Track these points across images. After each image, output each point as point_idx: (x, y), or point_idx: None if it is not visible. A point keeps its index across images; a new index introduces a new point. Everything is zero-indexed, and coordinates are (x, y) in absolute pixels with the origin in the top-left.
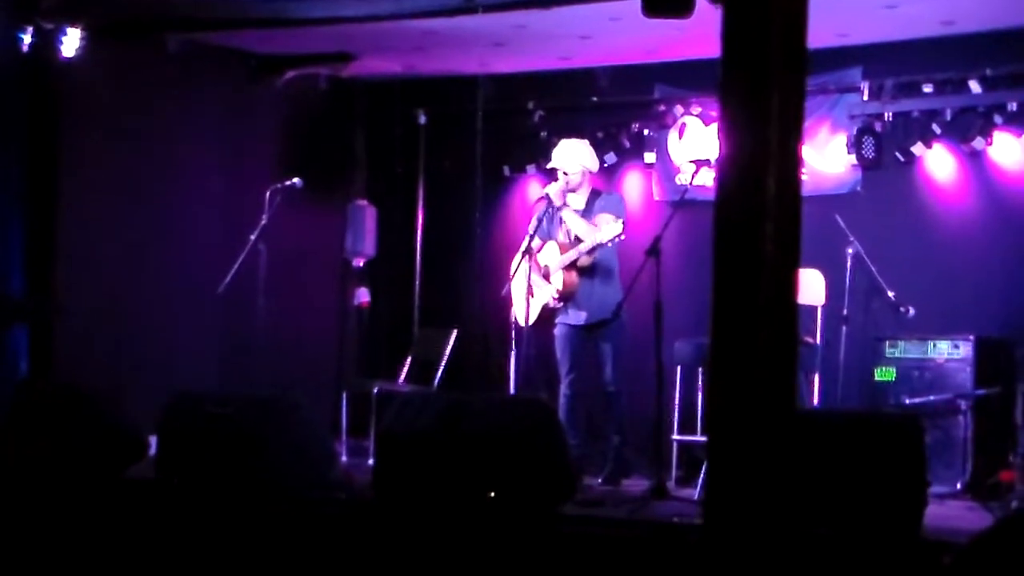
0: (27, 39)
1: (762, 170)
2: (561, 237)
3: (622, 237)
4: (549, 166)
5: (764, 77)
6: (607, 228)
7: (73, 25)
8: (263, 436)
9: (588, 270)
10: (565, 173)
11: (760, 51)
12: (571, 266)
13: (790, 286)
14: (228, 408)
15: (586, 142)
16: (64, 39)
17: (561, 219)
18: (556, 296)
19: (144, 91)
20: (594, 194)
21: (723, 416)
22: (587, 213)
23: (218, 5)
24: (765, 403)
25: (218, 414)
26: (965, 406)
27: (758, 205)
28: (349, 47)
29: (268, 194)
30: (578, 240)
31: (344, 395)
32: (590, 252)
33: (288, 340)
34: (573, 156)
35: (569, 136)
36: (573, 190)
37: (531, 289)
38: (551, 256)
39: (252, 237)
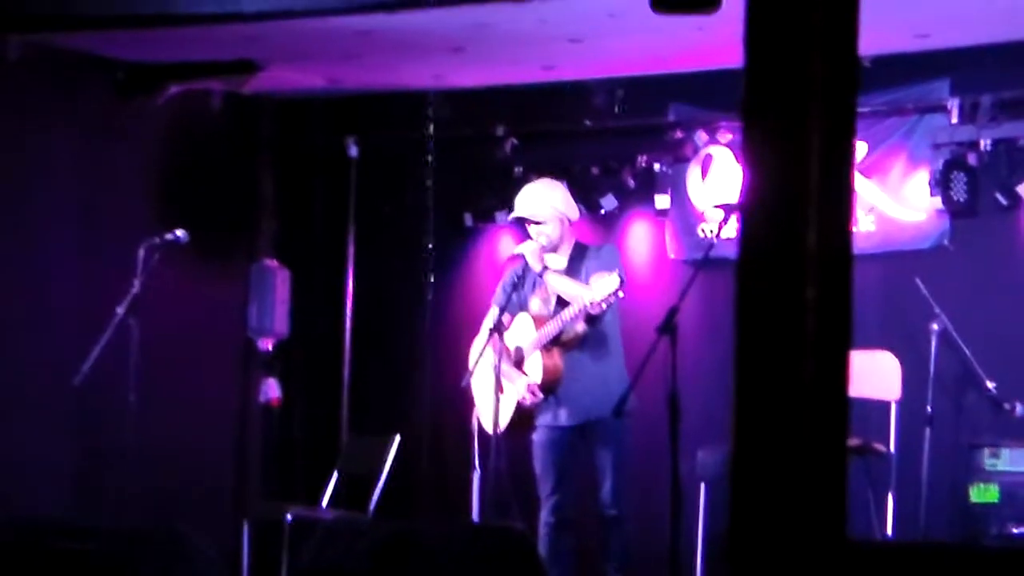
0: None
1: (800, 218)
2: (536, 306)
3: (620, 295)
4: (511, 217)
5: (803, 93)
6: (598, 285)
7: None
8: None
9: (576, 348)
10: (537, 223)
11: (797, 58)
12: (552, 345)
13: (839, 374)
14: (86, 544)
15: (556, 183)
16: None
17: (537, 283)
18: (533, 389)
19: None
20: (579, 249)
21: (748, 552)
22: (572, 275)
23: None
24: (805, 533)
25: (72, 552)
26: None
27: (795, 266)
28: (253, 53)
29: (142, 251)
30: (560, 307)
31: (246, 525)
32: (576, 321)
33: (169, 450)
34: (542, 200)
35: (552, 174)
36: (553, 248)
37: (500, 383)
38: (524, 334)
39: (120, 310)
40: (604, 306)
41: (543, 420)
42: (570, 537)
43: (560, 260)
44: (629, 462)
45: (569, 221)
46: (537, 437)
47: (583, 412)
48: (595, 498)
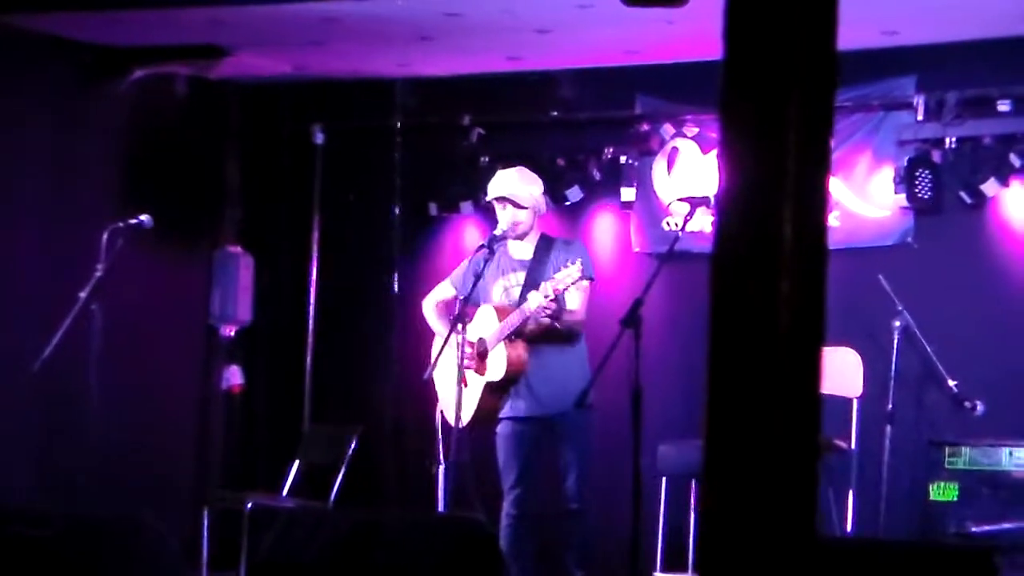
0: None
1: (776, 212)
2: (499, 296)
3: (584, 283)
4: (490, 198)
5: (781, 87)
6: (560, 274)
7: None
8: (94, 569)
9: (543, 340)
10: (520, 206)
11: (776, 51)
12: (516, 336)
13: (812, 368)
14: (46, 530)
15: (533, 174)
16: None
17: (501, 274)
18: (496, 383)
19: None
20: (546, 241)
21: (719, 548)
22: (538, 266)
23: None
24: (777, 530)
25: (32, 538)
26: None
27: (770, 259)
28: (219, 38)
29: (106, 236)
30: (523, 298)
31: (206, 513)
32: (541, 314)
33: (130, 436)
34: (526, 187)
35: (518, 164)
36: (521, 236)
37: (464, 376)
38: (487, 325)
39: (82, 294)
40: (562, 287)
41: (505, 412)
42: (531, 529)
43: (526, 249)
44: (591, 458)
45: (538, 214)
46: (500, 429)
47: (544, 404)
48: (558, 492)
